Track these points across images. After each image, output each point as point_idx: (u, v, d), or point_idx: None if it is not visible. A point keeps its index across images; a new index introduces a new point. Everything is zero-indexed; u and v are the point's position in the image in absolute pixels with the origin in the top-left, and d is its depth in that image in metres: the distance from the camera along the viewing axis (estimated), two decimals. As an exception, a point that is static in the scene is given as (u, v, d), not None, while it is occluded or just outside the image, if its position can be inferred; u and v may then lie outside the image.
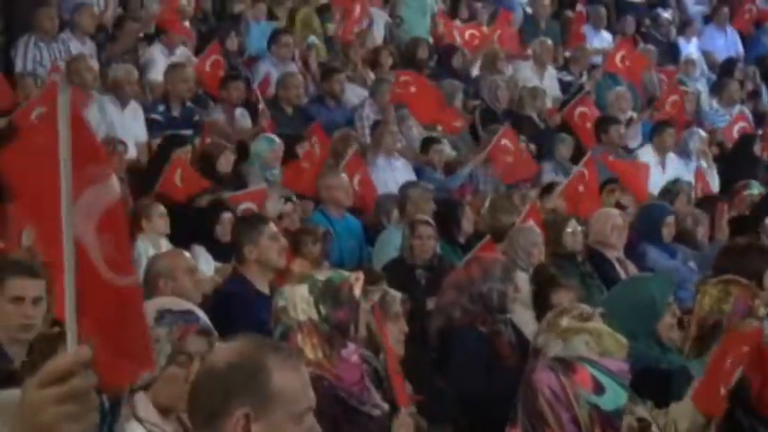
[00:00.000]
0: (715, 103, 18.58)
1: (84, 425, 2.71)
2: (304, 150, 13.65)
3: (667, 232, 12.51)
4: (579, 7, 20.52)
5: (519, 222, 11.34)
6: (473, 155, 14.79)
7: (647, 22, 21.16)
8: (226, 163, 12.96)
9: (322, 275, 7.08)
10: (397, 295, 8.00)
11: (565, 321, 5.86)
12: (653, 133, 16.17)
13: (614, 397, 5.21)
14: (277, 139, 13.79)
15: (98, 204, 3.32)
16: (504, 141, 14.46)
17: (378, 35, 17.94)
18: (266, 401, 3.83)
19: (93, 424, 2.72)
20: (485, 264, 8.55)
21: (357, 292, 6.90)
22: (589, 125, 16.30)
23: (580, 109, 16.54)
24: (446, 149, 14.81)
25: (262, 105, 14.52)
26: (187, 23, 16.16)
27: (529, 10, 20.25)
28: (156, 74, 15.02)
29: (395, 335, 7.55)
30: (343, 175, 12.68)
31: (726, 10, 21.52)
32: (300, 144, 13.74)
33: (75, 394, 2.70)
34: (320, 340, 6.45)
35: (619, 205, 12.83)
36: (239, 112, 14.72)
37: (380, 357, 7.31)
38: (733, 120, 18.11)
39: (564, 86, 18.42)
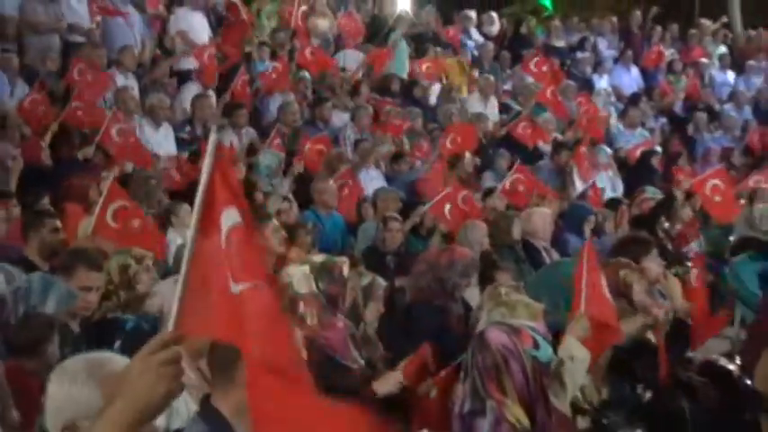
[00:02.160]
0: (621, 127, 18.63)
1: (174, 386, 2.86)
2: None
3: (588, 227, 12.64)
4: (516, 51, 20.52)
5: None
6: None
7: (569, 62, 21.17)
8: (237, 173, 12.99)
9: (318, 259, 7.18)
10: (381, 282, 8.08)
11: (497, 296, 5.92)
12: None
13: (546, 351, 5.34)
14: (281, 154, 13.92)
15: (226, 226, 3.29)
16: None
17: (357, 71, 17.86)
18: None
19: (180, 389, 2.87)
20: (454, 256, 8.55)
21: (345, 271, 7.00)
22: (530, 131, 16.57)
23: (523, 124, 16.61)
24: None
25: (274, 132, 14.54)
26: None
27: (476, 53, 20.27)
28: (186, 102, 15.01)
29: (374, 312, 7.63)
30: (331, 182, 12.72)
31: (630, 53, 21.56)
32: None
33: (174, 358, 2.86)
34: (318, 309, 6.52)
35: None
36: (245, 131, 14.73)
37: (359, 326, 7.39)
38: (638, 141, 18.17)
39: (505, 109, 18.41)
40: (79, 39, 15.25)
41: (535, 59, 19.64)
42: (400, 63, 18.57)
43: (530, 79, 19.32)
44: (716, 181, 14.23)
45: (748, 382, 5.96)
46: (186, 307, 3.11)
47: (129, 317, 6.82)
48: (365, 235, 11.94)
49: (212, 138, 3.20)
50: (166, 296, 5.92)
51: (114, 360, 3.62)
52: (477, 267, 8.69)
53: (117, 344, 6.28)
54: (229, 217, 3.27)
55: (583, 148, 15.95)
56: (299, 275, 6.45)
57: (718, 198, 14.23)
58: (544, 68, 19.52)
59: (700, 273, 9.51)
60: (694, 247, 13.67)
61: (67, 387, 3.49)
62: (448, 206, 12.15)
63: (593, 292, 6.41)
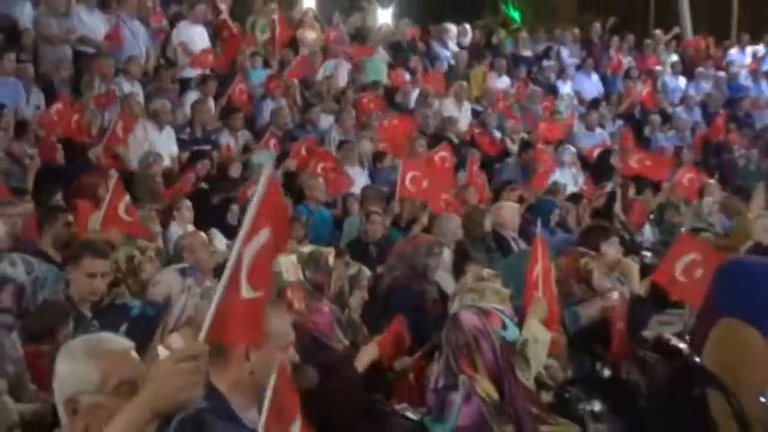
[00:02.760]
0: (583, 128, 18.69)
1: (195, 392, 2.96)
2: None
3: (554, 220, 12.73)
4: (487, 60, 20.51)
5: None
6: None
7: (535, 69, 21.19)
8: (234, 170, 13.07)
9: (306, 249, 7.20)
10: (367, 272, 8.11)
11: (471, 282, 5.96)
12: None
13: (513, 331, 5.38)
14: (274, 153, 14.01)
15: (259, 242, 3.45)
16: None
17: (342, 79, 17.87)
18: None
19: (200, 395, 3.00)
20: (416, 241, 8.60)
21: (331, 261, 7.03)
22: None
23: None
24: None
25: (268, 134, 14.62)
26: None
27: (452, 62, 20.31)
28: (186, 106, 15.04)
29: (358, 298, 7.66)
30: (320, 179, 12.78)
31: (591, 61, 21.62)
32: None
33: (199, 369, 2.90)
34: (304, 296, 6.54)
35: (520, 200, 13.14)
36: (240, 133, 14.77)
37: (344, 311, 7.41)
38: (597, 141, 18.29)
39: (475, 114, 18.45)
40: (89, 49, 15.22)
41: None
42: (379, 70, 18.56)
43: (497, 85, 19.41)
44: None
45: (697, 359, 6.01)
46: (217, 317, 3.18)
47: (136, 303, 6.83)
48: (350, 228, 11.94)
49: (266, 169, 3.38)
50: (170, 284, 5.94)
51: (112, 340, 3.64)
52: (441, 246, 8.70)
53: (123, 328, 6.30)
54: (262, 235, 3.47)
55: (541, 146, 16.13)
56: (287, 264, 6.47)
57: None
58: (509, 77, 19.73)
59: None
60: (649, 237, 13.81)
61: (69, 363, 3.51)
62: (409, 175, 12.27)
63: (546, 278, 6.52)
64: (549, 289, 6.62)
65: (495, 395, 5.05)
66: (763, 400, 4.87)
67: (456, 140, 16.36)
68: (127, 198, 9.24)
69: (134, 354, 3.56)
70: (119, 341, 3.67)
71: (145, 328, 5.72)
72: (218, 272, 6.72)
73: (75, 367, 3.48)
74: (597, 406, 6.03)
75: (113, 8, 15.99)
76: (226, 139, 14.43)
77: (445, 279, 8.82)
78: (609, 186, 15.30)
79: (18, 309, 6.88)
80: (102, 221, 8.82)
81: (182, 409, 2.95)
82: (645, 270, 9.56)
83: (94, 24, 15.51)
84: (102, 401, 3.38)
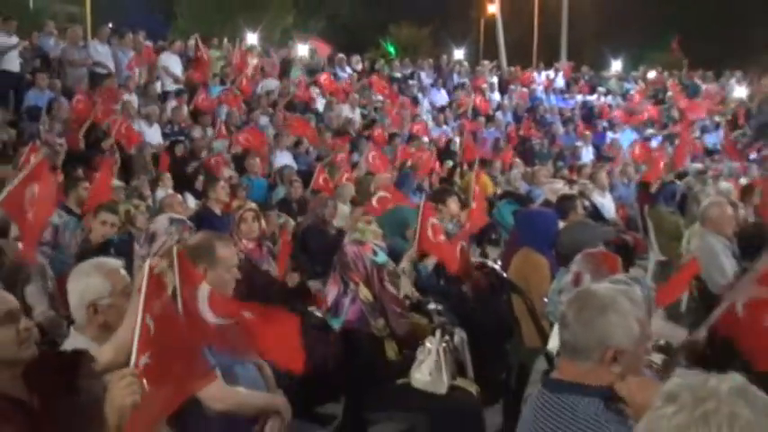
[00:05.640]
0: (434, 125, 18.78)
1: (136, 399, 2.70)
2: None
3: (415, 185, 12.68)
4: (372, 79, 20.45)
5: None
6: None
7: (404, 86, 21.06)
8: (201, 153, 12.88)
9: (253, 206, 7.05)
10: (291, 222, 8.10)
11: (359, 225, 5.99)
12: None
13: (381, 257, 5.41)
14: (226, 141, 13.88)
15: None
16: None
17: (275, 92, 17.61)
18: (214, 262, 3.89)
19: (138, 400, 2.70)
20: (319, 200, 8.60)
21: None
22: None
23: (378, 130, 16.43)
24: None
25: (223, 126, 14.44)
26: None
27: (348, 80, 20.18)
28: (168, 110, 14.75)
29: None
30: (257, 159, 12.68)
31: (440, 81, 21.73)
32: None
33: (135, 383, 2.71)
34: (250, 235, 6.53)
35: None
36: (205, 128, 14.52)
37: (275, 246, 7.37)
38: (444, 133, 18.32)
39: (364, 116, 18.37)
40: (101, 71, 14.85)
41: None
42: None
43: (378, 97, 19.40)
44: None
45: (505, 274, 6.15)
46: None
47: (117, 237, 6.82)
48: (278, 192, 11.84)
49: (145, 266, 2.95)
50: (160, 224, 5.79)
51: (110, 261, 3.62)
52: (333, 201, 8.64)
53: (111, 251, 6.29)
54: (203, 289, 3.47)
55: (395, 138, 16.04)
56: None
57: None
58: (386, 91, 19.67)
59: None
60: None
61: (85, 279, 3.48)
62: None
63: (424, 231, 6.50)
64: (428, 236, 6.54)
65: (371, 297, 5.12)
66: (545, 300, 5.00)
67: (353, 134, 16.27)
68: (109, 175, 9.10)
69: (123, 268, 3.56)
70: (114, 261, 3.65)
71: (121, 251, 5.88)
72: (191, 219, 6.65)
73: (89, 281, 3.46)
74: (440, 306, 6.08)
75: (117, 43, 15.69)
76: (196, 132, 14.22)
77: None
78: (450, 163, 15.45)
79: (54, 242, 6.85)
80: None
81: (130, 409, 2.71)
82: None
83: (105, 53, 15.16)
84: (114, 302, 3.39)
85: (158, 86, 15.56)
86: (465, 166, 14.81)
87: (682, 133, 18.37)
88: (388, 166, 13.58)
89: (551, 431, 2.48)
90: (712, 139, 19.79)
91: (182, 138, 13.70)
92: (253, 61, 18.54)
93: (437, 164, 15.28)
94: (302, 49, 21.24)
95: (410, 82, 21.30)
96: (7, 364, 2.69)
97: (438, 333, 4.84)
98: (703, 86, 23.61)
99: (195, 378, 3.06)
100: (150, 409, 2.75)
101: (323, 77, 18.99)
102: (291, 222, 8.25)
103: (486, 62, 24.76)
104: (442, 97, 21.20)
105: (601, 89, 23.51)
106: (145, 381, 2.72)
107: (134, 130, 12.92)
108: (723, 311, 3.78)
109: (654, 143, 18.63)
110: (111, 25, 17.07)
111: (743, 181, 12.37)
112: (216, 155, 12.93)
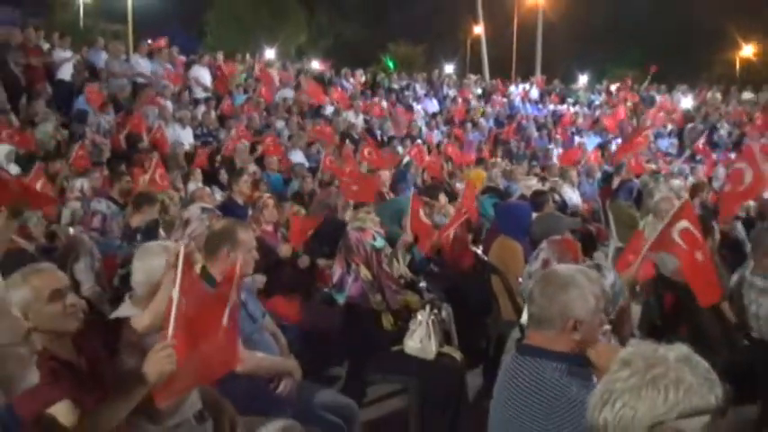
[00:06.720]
0: (427, 130, 18.70)
1: (171, 367, 2.64)
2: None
3: (414, 181, 12.25)
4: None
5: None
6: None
7: (401, 96, 20.99)
8: (227, 152, 12.84)
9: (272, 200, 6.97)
10: (303, 210, 8.02)
11: (360, 215, 5.99)
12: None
13: (380, 242, 5.39)
14: (248, 143, 13.67)
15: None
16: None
17: (290, 99, 17.50)
18: (236, 244, 3.85)
19: (173, 368, 2.64)
20: (328, 191, 8.51)
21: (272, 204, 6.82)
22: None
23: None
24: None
25: (242, 130, 14.24)
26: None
27: (353, 90, 20.09)
28: (199, 114, 14.66)
29: None
30: (275, 158, 12.59)
31: (432, 92, 21.67)
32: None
33: (172, 354, 2.64)
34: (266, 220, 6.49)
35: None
36: (231, 131, 14.21)
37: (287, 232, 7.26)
38: (435, 137, 18.18)
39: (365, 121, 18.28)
40: (142, 80, 14.79)
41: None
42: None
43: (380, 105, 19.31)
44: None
45: (486, 258, 6.15)
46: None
47: (141, 224, 6.74)
48: (293, 187, 11.77)
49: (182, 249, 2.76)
50: (193, 213, 5.74)
51: (164, 244, 3.63)
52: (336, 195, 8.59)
53: (139, 237, 6.28)
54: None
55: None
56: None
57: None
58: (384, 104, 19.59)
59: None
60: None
61: (151, 259, 3.49)
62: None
63: (416, 217, 6.51)
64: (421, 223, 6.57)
65: (370, 276, 5.12)
66: (520, 280, 4.99)
67: (356, 137, 16.21)
68: (161, 170, 9.06)
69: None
70: (162, 247, 3.62)
71: (148, 235, 5.87)
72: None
73: (154, 262, 3.46)
74: (429, 285, 6.07)
75: (155, 57, 15.62)
76: (222, 134, 14.19)
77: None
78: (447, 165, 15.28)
79: (102, 228, 6.81)
80: (147, 182, 8.67)
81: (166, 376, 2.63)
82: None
83: (145, 65, 15.09)
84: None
85: (188, 94, 15.51)
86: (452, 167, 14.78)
87: (635, 137, 18.26)
88: (388, 164, 13.53)
89: (522, 390, 2.49)
90: (665, 144, 19.72)
91: (210, 139, 13.62)
92: (272, 72, 18.49)
93: (429, 162, 15.23)
94: (315, 63, 21.16)
95: (406, 92, 21.22)
96: (57, 333, 2.70)
97: (428, 307, 4.85)
98: (658, 98, 23.57)
99: (223, 356, 2.80)
100: (181, 379, 2.69)
101: (335, 92, 18.86)
102: (303, 211, 8.19)
103: (471, 75, 24.69)
104: (433, 106, 21.09)
105: (570, 100, 23.47)
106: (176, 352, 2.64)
107: (169, 132, 12.91)
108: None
109: (613, 146, 18.57)
110: (149, 41, 17.03)
111: (690, 179, 12.35)
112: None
